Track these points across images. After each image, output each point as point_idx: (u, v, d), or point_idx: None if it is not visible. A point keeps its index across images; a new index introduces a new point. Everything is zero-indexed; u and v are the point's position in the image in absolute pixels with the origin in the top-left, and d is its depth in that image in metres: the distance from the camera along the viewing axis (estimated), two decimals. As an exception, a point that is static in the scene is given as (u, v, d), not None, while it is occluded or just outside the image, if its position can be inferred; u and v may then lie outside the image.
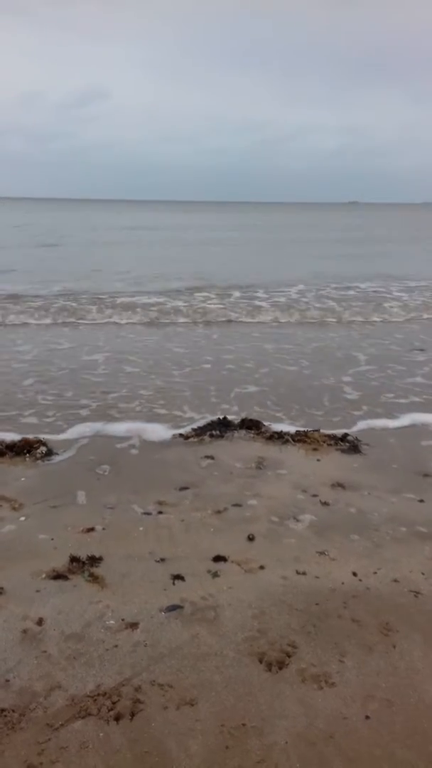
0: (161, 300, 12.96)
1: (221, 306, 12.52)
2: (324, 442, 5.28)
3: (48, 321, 10.99)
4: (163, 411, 6.13)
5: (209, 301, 12.96)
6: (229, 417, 5.75)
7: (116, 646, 2.74)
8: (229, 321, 11.21)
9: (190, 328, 10.57)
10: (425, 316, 12.04)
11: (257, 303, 12.90)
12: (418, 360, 8.38)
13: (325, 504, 4.18)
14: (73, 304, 12.35)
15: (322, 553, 3.56)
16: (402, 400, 6.58)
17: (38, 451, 4.98)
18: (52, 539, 3.68)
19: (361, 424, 5.83)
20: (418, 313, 12.24)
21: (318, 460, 4.95)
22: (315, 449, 5.16)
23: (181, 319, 11.28)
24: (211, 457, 4.97)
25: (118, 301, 12.74)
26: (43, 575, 3.29)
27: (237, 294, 13.96)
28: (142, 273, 17.62)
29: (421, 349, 8.82)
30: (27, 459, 4.88)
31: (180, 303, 12.67)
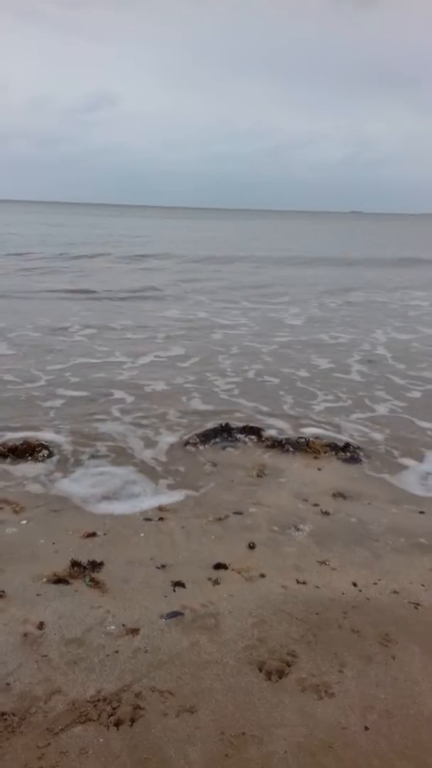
0: None
1: None
2: (325, 451, 5.29)
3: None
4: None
5: None
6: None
7: (117, 651, 2.75)
8: None
9: None
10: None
11: None
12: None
13: (326, 513, 4.19)
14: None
15: (322, 562, 3.57)
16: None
17: (40, 454, 5.00)
18: (53, 543, 3.69)
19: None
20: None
21: (319, 469, 4.96)
22: (316, 458, 5.17)
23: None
24: (213, 464, 4.99)
25: None
26: (44, 579, 3.30)
27: None
28: None
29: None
30: (29, 462, 4.89)
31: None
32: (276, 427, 5.85)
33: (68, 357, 8.46)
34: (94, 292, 15.07)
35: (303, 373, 7.99)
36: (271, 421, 6.06)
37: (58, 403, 6.44)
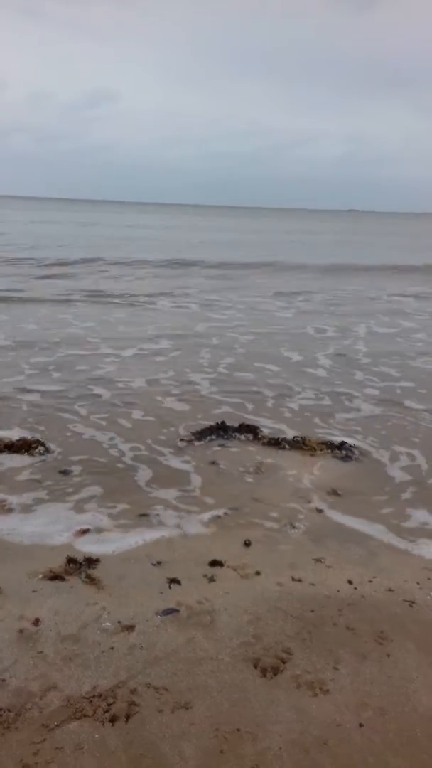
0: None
1: None
2: (321, 449, 5.30)
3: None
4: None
5: None
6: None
7: (112, 648, 2.75)
8: None
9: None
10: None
11: None
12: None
13: (321, 511, 4.20)
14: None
15: (318, 560, 3.58)
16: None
17: (36, 450, 4.99)
18: (49, 540, 3.69)
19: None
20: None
21: (315, 466, 4.97)
22: (312, 455, 5.18)
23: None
24: (209, 462, 4.99)
25: None
26: (40, 576, 3.30)
27: None
28: None
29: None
30: (25, 458, 4.88)
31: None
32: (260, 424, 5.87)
33: (55, 351, 8.54)
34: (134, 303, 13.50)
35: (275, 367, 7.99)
36: (250, 417, 6.08)
37: (35, 397, 6.47)
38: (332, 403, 6.71)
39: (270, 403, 6.63)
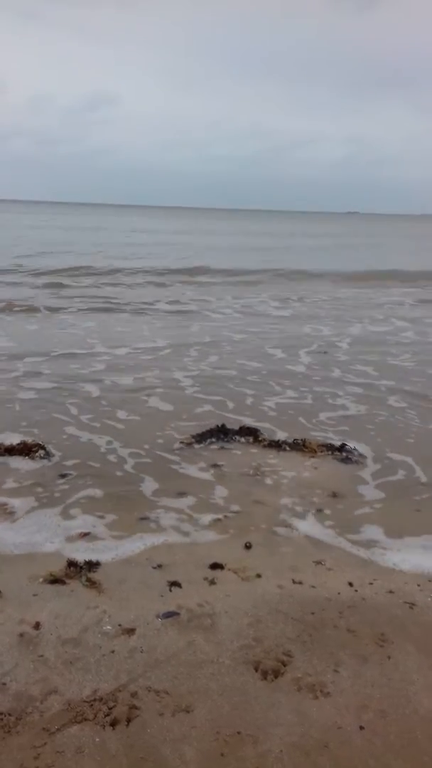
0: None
1: None
2: (321, 451, 5.30)
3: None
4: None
5: None
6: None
7: (113, 651, 2.75)
8: None
9: None
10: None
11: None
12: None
13: (322, 513, 4.20)
14: None
15: (318, 562, 3.58)
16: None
17: (37, 454, 4.99)
18: (50, 543, 3.69)
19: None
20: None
21: (315, 468, 4.97)
22: (312, 458, 5.18)
23: None
24: (210, 465, 4.99)
25: None
26: (41, 579, 3.30)
27: None
28: None
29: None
30: (26, 462, 4.89)
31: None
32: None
33: (51, 352, 8.67)
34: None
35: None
36: (237, 417, 6.09)
37: (30, 396, 6.55)
38: (313, 402, 6.78)
39: (249, 401, 6.71)
